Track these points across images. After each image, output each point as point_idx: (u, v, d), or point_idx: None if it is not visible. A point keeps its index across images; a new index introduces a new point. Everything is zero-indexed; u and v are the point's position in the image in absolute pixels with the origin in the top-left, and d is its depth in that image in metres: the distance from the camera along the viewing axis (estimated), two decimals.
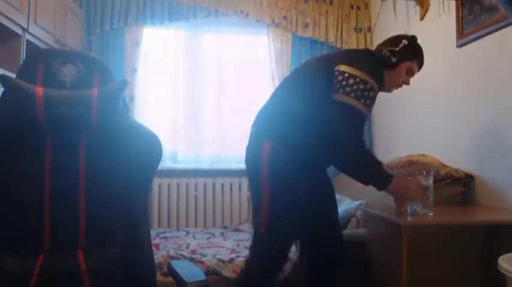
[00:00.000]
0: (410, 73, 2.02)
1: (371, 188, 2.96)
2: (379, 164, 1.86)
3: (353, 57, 1.88)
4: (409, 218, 1.89)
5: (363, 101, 1.73)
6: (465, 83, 2.63)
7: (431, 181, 1.92)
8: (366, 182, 1.88)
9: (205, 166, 3.90)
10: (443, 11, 2.82)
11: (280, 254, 1.92)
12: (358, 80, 1.74)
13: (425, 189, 1.90)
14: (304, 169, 1.82)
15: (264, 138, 1.83)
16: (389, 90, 2.07)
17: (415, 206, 1.90)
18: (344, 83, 1.74)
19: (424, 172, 1.93)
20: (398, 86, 2.05)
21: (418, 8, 3.12)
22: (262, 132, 1.87)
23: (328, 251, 2.01)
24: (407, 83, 2.04)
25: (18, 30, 2.52)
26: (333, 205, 2.05)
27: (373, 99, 1.82)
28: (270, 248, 1.88)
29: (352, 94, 1.73)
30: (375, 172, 1.84)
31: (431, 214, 1.91)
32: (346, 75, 1.75)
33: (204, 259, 2.58)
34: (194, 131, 3.94)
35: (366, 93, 1.75)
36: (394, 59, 1.92)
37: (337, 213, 2.08)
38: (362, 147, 1.80)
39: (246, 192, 3.82)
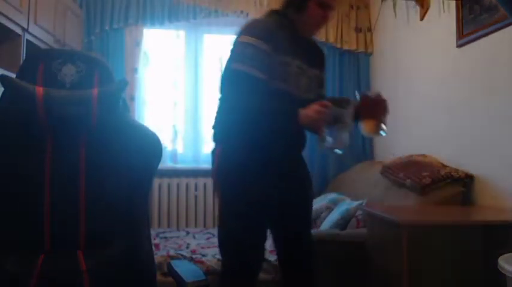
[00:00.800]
0: (326, 6, 1.76)
1: (371, 189, 2.95)
2: (277, 108, 1.70)
3: (246, 25, 1.79)
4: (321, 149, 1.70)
5: (244, 60, 1.66)
6: (465, 83, 2.63)
7: (344, 114, 1.64)
8: (278, 128, 1.74)
9: (205, 166, 3.90)
10: (443, 11, 2.82)
11: (239, 254, 1.82)
12: (237, 43, 1.71)
13: (334, 120, 1.63)
14: (251, 164, 1.73)
15: (216, 146, 1.84)
16: (311, 34, 1.87)
17: (320, 138, 1.66)
18: (230, 51, 1.73)
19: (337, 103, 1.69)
20: (320, 24, 1.83)
21: (418, 8, 3.12)
22: (214, 141, 1.86)
23: (300, 247, 1.89)
24: (327, 17, 1.80)
25: (18, 30, 2.52)
26: (303, 198, 1.91)
27: (258, 59, 1.65)
28: (227, 250, 1.87)
29: (234, 57, 1.70)
30: (278, 116, 1.70)
31: (338, 151, 1.69)
32: (232, 45, 1.74)
33: (204, 259, 2.58)
34: (194, 131, 3.95)
35: (246, 53, 1.66)
36: (294, 3, 1.77)
37: (310, 208, 1.97)
38: (251, 103, 1.69)
39: None
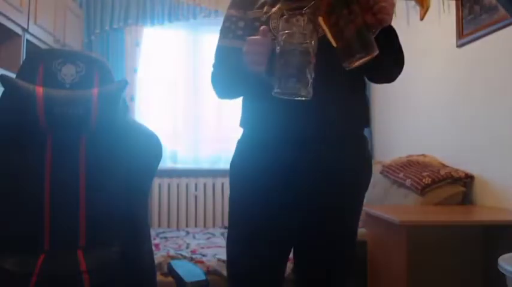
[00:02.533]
0: None
1: (371, 189, 2.96)
2: (231, 65, 1.33)
3: None
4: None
5: (221, 36, 1.45)
6: (465, 83, 2.63)
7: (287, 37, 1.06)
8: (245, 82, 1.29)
9: (205, 166, 3.90)
10: (443, 11, 2.82)
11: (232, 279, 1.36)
12: None
13: (281, 53, 1.07)
14: (244, 157, 1.35)
15: None
16: None
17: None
18: None
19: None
20: None
21: (418, 8, 3.12)
22: None
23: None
24: None
25: (18, 30, 2.53)
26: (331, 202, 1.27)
27: (228, 26, 1.41)
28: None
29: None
30: (238, 73, 1.25)
31: (294, 96, 1.07)
32: None
33: (204, 259, 2.58)
34: (194, 131, 3.95)
35: (221, 28, 1.45)
36: None
37: (344, 218, 1.32)
38: (214, 74, 1.42)
39: None
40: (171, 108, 3.93)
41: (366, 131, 1.39)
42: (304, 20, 1.07)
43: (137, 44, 3.78)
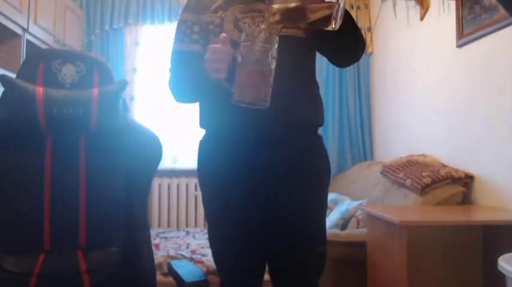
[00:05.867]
0: None
1: (371, 189, 2.96)
2: (189, 72, 1.41)
3: None
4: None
5: (177, 40, 1.47)
6: (465, 83, 2.63)
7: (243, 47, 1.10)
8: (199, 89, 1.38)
9: None
10: (443, 11, 2.82)
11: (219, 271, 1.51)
12: None
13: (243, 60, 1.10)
14: (207, 154, 1.39)
15: None
16: None
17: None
18: None
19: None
20: None
21: (418, 8, 3.12)
22: None
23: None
24: None
25: (18, 30, 2.53)
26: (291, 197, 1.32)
27: (183, 30, 1.43)
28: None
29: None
30: (198, 79, 1.31)
31: (236, 99, 1.11)
32: None
33: (204, 259, 2.57)
34: (194, 131, 3.95)
35: (175, 31, 1.47)
36: None
37: (304, 212, 1.34)
38: (172, 79, 1.52)
39: None
40: (171, 108, 3.93)
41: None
42: (264, 32, 1.11)
43: (137, 44, 3.79)
